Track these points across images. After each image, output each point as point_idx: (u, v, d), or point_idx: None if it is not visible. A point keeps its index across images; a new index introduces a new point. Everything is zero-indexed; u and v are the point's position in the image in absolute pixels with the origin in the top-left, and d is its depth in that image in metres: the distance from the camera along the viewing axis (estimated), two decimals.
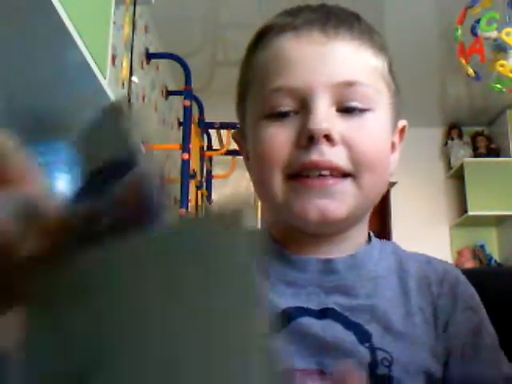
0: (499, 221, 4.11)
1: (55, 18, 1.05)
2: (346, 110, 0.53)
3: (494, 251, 4.17)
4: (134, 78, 2.03)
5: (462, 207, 4.08)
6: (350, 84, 0.53)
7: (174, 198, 3.36)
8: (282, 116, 0.54)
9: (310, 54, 0.54)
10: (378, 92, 0.55)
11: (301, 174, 0.53)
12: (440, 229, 4.24)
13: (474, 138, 4.32)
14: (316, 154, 0.51)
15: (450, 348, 0.54)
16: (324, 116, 0.51)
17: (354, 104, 0.53)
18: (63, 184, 1.46)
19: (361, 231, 0.60)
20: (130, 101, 1.97)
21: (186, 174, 2.55)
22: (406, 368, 0.51)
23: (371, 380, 0.50)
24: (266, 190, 0.56)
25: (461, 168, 4.10)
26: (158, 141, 2.95)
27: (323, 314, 0.53)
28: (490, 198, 3.93)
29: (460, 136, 4.35)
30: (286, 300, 0.54)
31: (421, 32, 3.08)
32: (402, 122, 0.62)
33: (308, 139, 0.51)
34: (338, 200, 0.52)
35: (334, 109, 0.53)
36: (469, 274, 0.60)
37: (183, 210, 2.51)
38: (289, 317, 0.53)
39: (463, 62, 2.25)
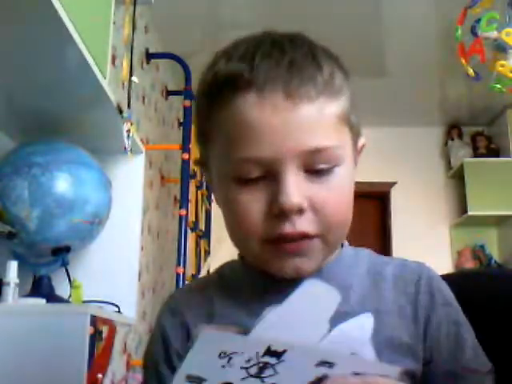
0: (499, 221, 4.11)
1: (55, 18, 1.05)
2: (313, 172, 0.55)
3: (494, 251, 4.17)
4: (134, 78, 2.03)
5: (462, 207, 4.08)
6: (317, 151, 0.54)
7: (174, 198, 3.36)
8: (251, 181, 0.55)
9: (275, 123, 0.53)
10: (343, 145, 0.57)
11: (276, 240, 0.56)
12: (440, 229, 4.24)
13: (474, 137, 4.32)
14: (288, 226, 0.54)
15: (431, 345, 0.57)
16: (294, 189, 0.53)
17: (322, 166, 0.55)
18: (63, 184, 1.47)
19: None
20: (129, 101, 1.97)
21: (186, 174, 2.55)
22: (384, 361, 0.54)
23: None
24: (242, 248, 0.61)
25: (461, 168, 4.10)
26: (158, 141, 2.95)
27: None
28: (490, 198, 3.93)
29: (460, 136, 4.35)
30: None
31: (421, 32, 3.08)
32: (361, 142, 0.64)
33: (279, 211, 0.54)
34: (310, 257, 0.57)
35: (301, 172, 0.54)
36: (469, 275, 0.60)
37: (183, 211, 2.51)
38: None
39: (463, 62, 2.25)
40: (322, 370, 0.40)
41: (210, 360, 0.43)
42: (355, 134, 0.60)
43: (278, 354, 0.42)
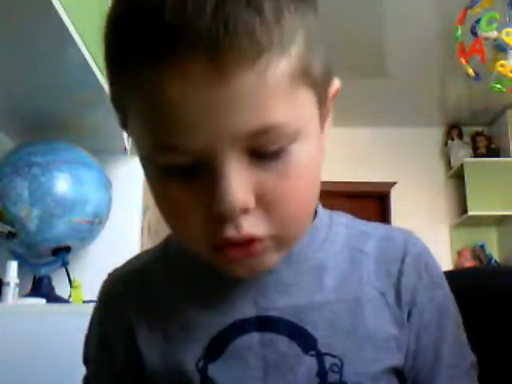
0: (499, 221, 4.11)
1: (55, 18, 1.05)
2: (261, 155, 0.41)
3: (494, 251, 4.17)
4: None
5: (462, 207, 4.09)
6: (262, 132, 0.39)
7: None
8: (181, 172, 0.41)
9: (200, 101, 0.38)
10: (300, 114, 0.42)
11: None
12: (440, 229, 4.24)
13: (474, 137, 4.32)
14: (232, 230, 0.42)
15: (413, 333, 0.50)
16: (235, 184, 0.40)
17: (271, 148, 0.41)
18: (63, 184, 1.47)
19: None
20: None
21: None
22: (361, 369, 0.48)
23: None
24: (187, 249, 0.48)
25: (461, 168, 4.10)
26: None
27: (264, 324, 0.49)
28: (490, 198, 3.93)
29: (460, 136, 4.35)
30: (220, 317, 0.49)
31: (421, 32, 3.08)
32: (336, 84, 0.49)
33: (219, 215, 0.41)
34: (264, 258, 0.45)
35: (245, 157, 0.41)
36: (469, 273, 0.59)
37: None
38: (226, 339, 0.49)
39: (463, 62, 2.25)
40: None
41: None
42: (322, 85, 0.45)
43: None
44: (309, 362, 0.47)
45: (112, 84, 0.45)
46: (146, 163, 0.44)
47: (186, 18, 0.36)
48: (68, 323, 1.22)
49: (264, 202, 0.42)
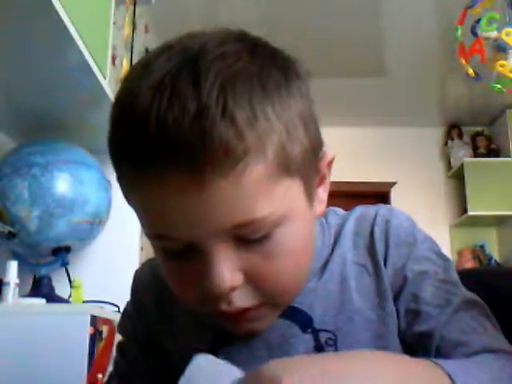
0: (499, 221, 4.11)
1: (55, 18, 1.05)
2: (246, 240, 0.45)
3: (494, 251, 4.17)
4: None
5: (462, 207, 4.08)
6: (243, 226, 0.43)
7: None
8: (175, 253, 0.46)
9: (185, 206, 0.42)
10: (281, 205, 0.45)
11: None
12: (440, 229, 4.23)
13: (474, 138, 4.32)
14: (224, 305, 0.47)
15: (395, 295, 0.53)
16: (223, 268, 0.44)
17: (255, 236, 0.45)
18: (63, 184, 1.47)
19: None
20: None
21: None
22: (353, 339, 0.52)
23: None
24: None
25: (461, 168, 4.10)
26: None
27: None
28: (490, 198, 3.93)
29: (460, 136, 4.35)
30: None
31: (421, 32, 3.08)
32: (329, 157, 0.52)
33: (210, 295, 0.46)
34: (260, 320, 0.50)
35: (231, 244, 0.45)
36: (469, 273, 0.60)
37: None
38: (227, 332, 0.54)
39: (463, 62, 2.25)
40: None
41: None
42: (306, 167, 0.47)
43: None
44: (307, 339, 0.52)
45: (118, 181, 0.49)
46: (151, 245, 0.50)
47: (166, 132, 0.41)
48: (68, 323, 1.22)
49: (252, 279, 0.46)
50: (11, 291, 1.30)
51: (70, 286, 1.53)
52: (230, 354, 0.53)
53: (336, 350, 0.52)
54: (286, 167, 0.44)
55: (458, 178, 4.20)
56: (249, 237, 0.45)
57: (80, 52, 1.17)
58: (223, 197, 0.42)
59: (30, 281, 1.54)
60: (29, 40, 1.13)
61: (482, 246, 4.14)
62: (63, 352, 1.20)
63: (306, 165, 0.47)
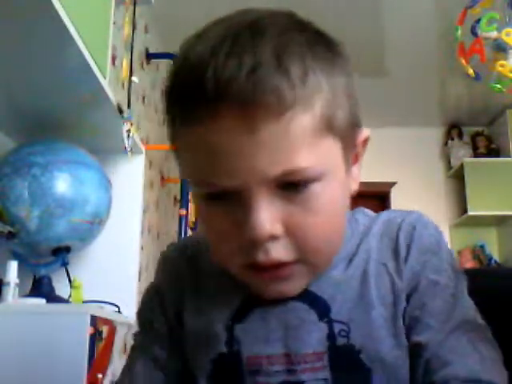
0: (499, 221, 4.11)
1: (55, 18, 1.05)
2: (288, 189, 0.48)
3: (494, 251, 4.17)
4: (134, 78, 2.03)
5: (462, 207, 4.09)
6: (287, 174, 0.47)
7: (174, 198, 3.36)
8: (220, 199, 0.49)
9: (233, 149, 0.46)
10: (323, 160, 0.48)
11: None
12: (440, 229, 4.23)
13: (474, 138, 4.32)
14: (261, 255, 0.49)
15: (406, 298, 0.55)
16: (264, 215, 0.47)
17: (297, 186, 0.48)
18: (63, 184, 1.47)
19: None
20: (129, 101, 1.97)
21: None
22: (365, 332, 0.53)
23: (334, 351, 0.53)
24: (223, 264, 0.55)
25: (461, 168, 4.10)
26: (158, 141, 2.95)
27: None
28: (490, 198, 3.93)
29: (460, 136, 4.35)
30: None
31: (421, 32, 3.08)
32: (365, 134, 0.56)
33: (249, 241, 0.48)
34: (292, 281, 0.53)
35: (274, 191, 0.48)
36: (469, 273, 0.59)
37: (183, 211, 2.51)
38: (252, 303, 0.56)
39: (463, 62, 2.25)
40: None
41: None
42: (347, 134, 0.51)
43: None
44: (322, 327, 0.54)
45: (168, 130, 0.53)
46: (193, 193, 0.53)
47: (223, 79, 0.44)
48: (68, 323, 1.22)
49: (290, 231, 0.49)
50: (11, 291, 1.30)
51: (70, 286, 1.53)
52: (246, 330, 0.55)
53: (348, 341, 0.53)
54: (329, 126, 0.48)
55: (458, 177, 4.21)
56: (290, 187, 0.48)
57: (80, 52, 1.17)
58: (272, 142, 0.45)
59: (30, 281, 1.53)
60: (29, 40, 1.13)
61: (482, 246, 4.14)
62: (63, 352, 1.20)
63: (347, 132, 0.51)
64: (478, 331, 0.54)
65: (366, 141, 0.56)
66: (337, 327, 0.54)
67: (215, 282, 0.59)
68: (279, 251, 0.49)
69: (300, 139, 0.46)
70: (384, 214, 0.60)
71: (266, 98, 0.44)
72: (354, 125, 0.53)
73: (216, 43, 0.46)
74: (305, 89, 0.46)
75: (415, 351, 0.53)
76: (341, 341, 0.53)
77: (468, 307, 0.55)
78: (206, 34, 0.49)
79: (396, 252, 0.56)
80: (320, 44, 0.50)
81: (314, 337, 0.54)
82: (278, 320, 0.55)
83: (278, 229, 0.48)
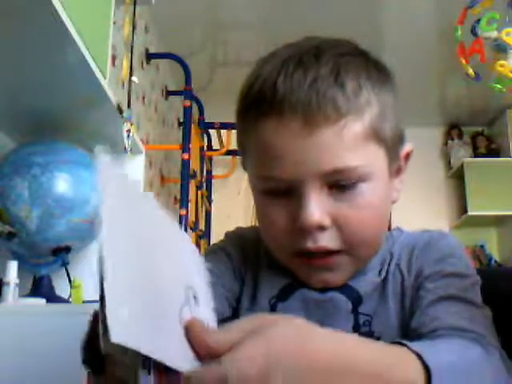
0: (499, 221, 4.11)
1: (55, 18, 1.05)
2: (337, 187, 0.56)
3: (494, 251, 4.17)
4: (134, 78, 2.03)
5: (462, 207, 4.08)
6: (337, 172, 0.55)
7: (174, 198, 3.36)
8: (277, 195, 0.58)
9: (294, 148, 0.55)
10: (369, 163, 0.57)
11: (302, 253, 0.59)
12: (440, 229, 4.23)
13: (474, 138, 4.31)
14: (310, 242, 0.57)
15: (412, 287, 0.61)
16: (315, 207, 0.55)
17: (345, 183, 0.56)
18: (63, 184, 1.47)
19: None
20: (129, 101, 1.97)
21: (185, 174, 2.55)
22: (385, 322, 0.60)
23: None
24: (273, 253, 0.63)
25: (461, 168, 4.10)
26: (158, 141, 2.95)
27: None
28: (490, 198, 3.92)
29: (460, 136, 4.35)
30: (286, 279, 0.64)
31: (421, 32, 3.08)
32: (408, 148, 0.65)
33: (301, 228, 0.56)
34: (337, 271, 0.60)
35: (325, 188, 0.56)
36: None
37: (183, 210, 2.50)
38: (296, 286, 0.63)
39: (463, 62, 2.25)
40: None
41: None
42: (391, 145, 0.60)
43: None
44: (350, 318, 0.61)
45: (238, 132, 0.64)
46: (254, 188, 0.62)
47: (290, 89, 0.55)
48: (68, 323, 1.22)
49: (337, 224, 0.57)
50: (11, 291, 1.30)
51: (70, 286, 1.53)
52: (287, 310, 0.62)
53: (370, 329, 0.60)
54: (377, 135, 0.57)
55: (457, 177, 4.20)
56: (340, 183, 0.56)
57: (80, 52, 1.17)
58: (327, 143, 0.54)
59: (30, 281, 1.53)
60: (29, 40, 1.13)
61: (482, 246, 4.14)
62: (63, 352, 1.20)
63: (392, 143, 0.60)
64: (479, 308, 0.57)
65: (408, 155, 0.65)
66: (361, 319, 0.60)
67: (266, 269, 0.66)
68: (326, 240, 0.57)
69: (351, 143, 0.55)
70: (414, 231, 0.67)
71: (325, 106, 0.54)
72: (399, 139, 0.61)
73: (285, 60, 0.57)
74: (357, 101, 0.55)
75: (412, 315, 0.58)
76: (363, 329, 0.60)
77: (474, 295, 0.58)
78: (276, 54, 0.59)
79: (411, 257, 0.62)
80: (373, 67, 0.59)
81: (343, 325, 0.60)
82: (316, 305, 0.61)
83: (326, 220, 0.56)
